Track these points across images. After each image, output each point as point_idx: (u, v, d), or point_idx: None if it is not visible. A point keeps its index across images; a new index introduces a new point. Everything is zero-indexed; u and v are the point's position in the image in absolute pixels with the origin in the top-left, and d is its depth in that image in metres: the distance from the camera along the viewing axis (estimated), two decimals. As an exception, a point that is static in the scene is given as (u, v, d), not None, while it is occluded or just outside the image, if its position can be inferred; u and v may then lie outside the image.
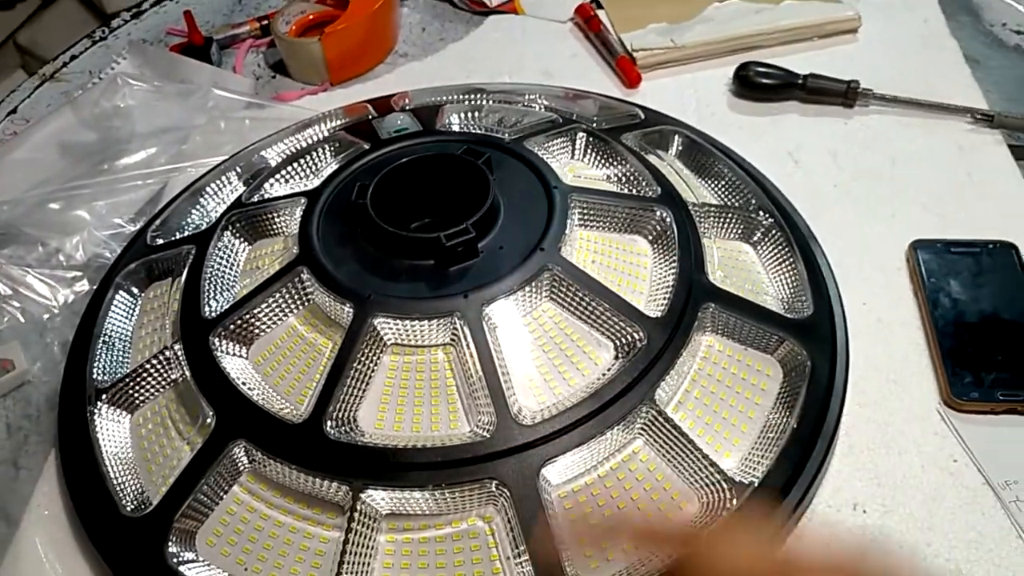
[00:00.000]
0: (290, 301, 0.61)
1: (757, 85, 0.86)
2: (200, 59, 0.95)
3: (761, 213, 0.69)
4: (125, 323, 0.69)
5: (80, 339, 0.69)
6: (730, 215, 0.69)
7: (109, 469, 0.60)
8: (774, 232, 0.69)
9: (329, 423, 0.55)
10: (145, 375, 0.63)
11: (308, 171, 0.72)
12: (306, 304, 0.61)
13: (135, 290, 0.71)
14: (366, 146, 0.70)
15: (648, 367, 0.57)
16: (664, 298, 0.60)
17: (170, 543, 0.55)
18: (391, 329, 0.57)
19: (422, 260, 0.60)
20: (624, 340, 0.58)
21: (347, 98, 0.90)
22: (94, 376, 0.65)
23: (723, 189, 0.74)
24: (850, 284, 0.68)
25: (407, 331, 0.57)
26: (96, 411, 0.63)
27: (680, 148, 0.77)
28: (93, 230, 0.78)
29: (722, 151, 0.76)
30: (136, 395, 0.64)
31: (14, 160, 0.86)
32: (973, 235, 0.71)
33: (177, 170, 0.84)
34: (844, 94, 0.83)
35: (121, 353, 0.67)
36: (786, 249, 0.68)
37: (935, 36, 0.91)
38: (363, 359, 0.57)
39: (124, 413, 0.64)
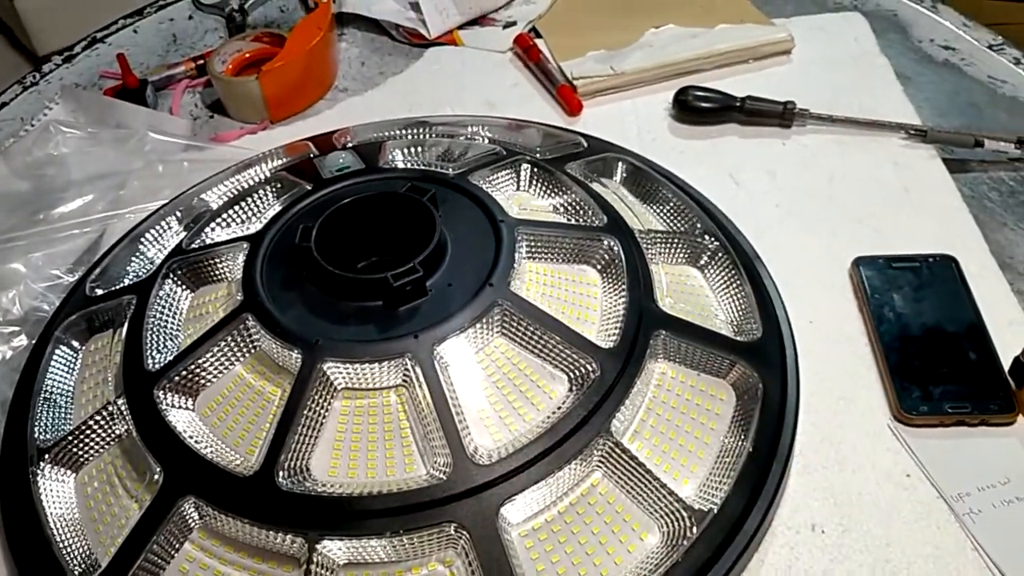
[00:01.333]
0: (236, 349, 0.60)
1: (696, 109, 0.86)
2: (135, 102, 0.93)
3: (706, 237, 0.70)
4: (66, 378, 0.67)
5: (20, 396, 0.67)
6: (676, 240, 0.70)
7: (55, 532, 0.58)
8: (720, 255, 0.69)
9: (281, 474, 0.54)
10: (89, 432, 0.62)
11: (250, 214, 0.71)
12: (252, 352, 0.60)
13: (75, 343, 0.69)
14: (308, 187, 0.69)
15: (603, 399, 0.57)
16: (615, 328, 0.60)
17: (122, 610, 0.53)
18: (341, 373, 0.57)
19: (370, 301, 0.59)
20: (577, 372, 0.58)
21: (288, 136, 0.89)
22: (35, 435, 0.63)
23: (668, 214, 0.74)
24: (796, 303, 0.69)
25: (358, 375, 0.57)
26: (39, 472, 0.61)
27: (624, 175, 0.78)
28: (29, 283, 0.76)
29: (665, 176, 0.77)
30: (80, 453, 0.62)
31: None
32: (913, 249, 0.72)
33: (115, 217, 0.82)
34: (781, 115, 0.85)
35: (63, 410, 0.65)
36: (732, 271, 0.68)
37: (866, 55, 0.93)
38: (314, 406, 0.56)
39: (68, 472, 0.62)
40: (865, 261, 0.71)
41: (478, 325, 0.58)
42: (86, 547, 0.58)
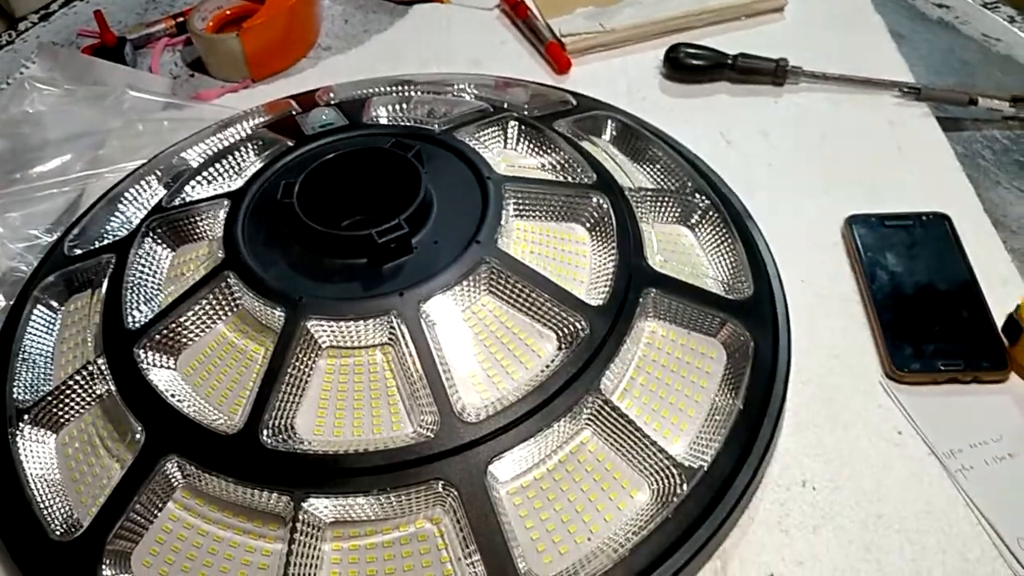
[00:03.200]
0: (218, 307, 0.59)
1: (687, 67, 0.85)
2: (113, 60, 0.91)
3: (697, 195, 0.69)
4: (46, 339, 0.66)
5: (3, 357, 0.65)
6: (667, 199, 0.69)
7: (35, 492, 0.57)
8: (711, 214, 0.68)
9: (265, 432, 0.53)
10: (69, 392, 0.60)
11: (231, 171, 0.69)
12: (235, 310, 0.59)
13: (54, 303, 0.68)
14: (290, 143, 0.68)
15: (592, 357, 0.56)
16: (605, 286, 0.59)
17: (103, 566, 0.52)
18: (325, 332, 0.55)
19: (354, 259, 0.58)
20: (566, 330, 0.57)
21: (269, 95, 0.87)
22: (14, 396, 0.62)
23: (658, 173, 0.73)
24: (788, 262, 0.68)
25: (342, 333, 0.55)
26: (18, 432, 0.60)
27: (614, 133, 0.76)
28: (7, 243, 0.74)
29: (655, 134, 0.75)
30: (60, 413, 0.61)
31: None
32: (906, 207, 0.71)
33: (94, 176, 0.80)
34: (774, 73, 0.83)
35: (43, 370, 0.64)
36: (724, 230, 0.67)
37: (860, 12, 0.92)
38: (298, 364, 0.55)
39: (49, 433, 0.61)
40: (858, 219, 0.71)
41: (465, 283, 0.56)
42: (67, 507, 0.57)
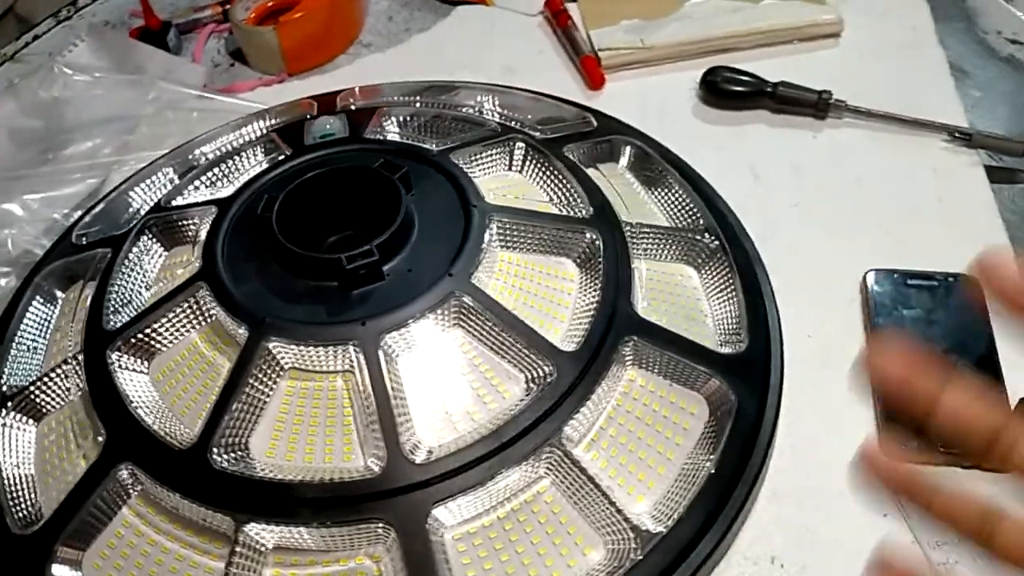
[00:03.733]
0: (192, 317, 0.59)
1: (724, 92, 0.81)
2: (157, 44, 0.92)
3: (706, 235, 0.66)
4: (42, 326, 0.68)
5: (-2, 340, 0.67)
6: (672, 237, 0.66)
7: (5, 482, 0.58)
8: (719, 256, 0.65)
9: (216, 450, 0.53)
10: (50, 384, 0.61)
11: (231, 175, 0.69)
12: (208, 321, 0.58)
13: (56, 291, 0.69)
14: (288, 152, 0.67)
15: (556, 404, 0.54)
16: (582, 330, 0.57)
17: (54, 565, 0.53)
18: (287, 353, 0.55)
19: (326, 281, 0.57)
20: (534, 374, 0.55)
21: (302, 91, 0.87)
22: (4, 380, 0.63)
23: (671, 206, 0.70)
24: (797, 314, 0.64)
25: (304, 357, 0.55)
26: (1, 418, 0.61)
27: (631, 159, 0.73)
28: (25, 224, 0.76)
29: (674, 165, 0.72)
30: (42, 404, 0.62)
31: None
32: (937, 266, 0.66)
33: (120, 163, 0.81)
34: (815, 105, 0.79)
35: (34, 358, 0.65)
36: (728, 275, 0.64)
37: (921, 44, 0.86)
38: (256, 384, 0.54)
39: (30, 422, 0.62)
40: (878, 274, 0.66)
41: (432, 316, 0.55)
42: (35, 500, 0.58)
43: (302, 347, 0.54)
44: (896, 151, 0.76)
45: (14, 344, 0.66)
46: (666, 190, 0.71)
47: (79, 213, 0.77)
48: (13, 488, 0.58)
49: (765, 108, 0.81)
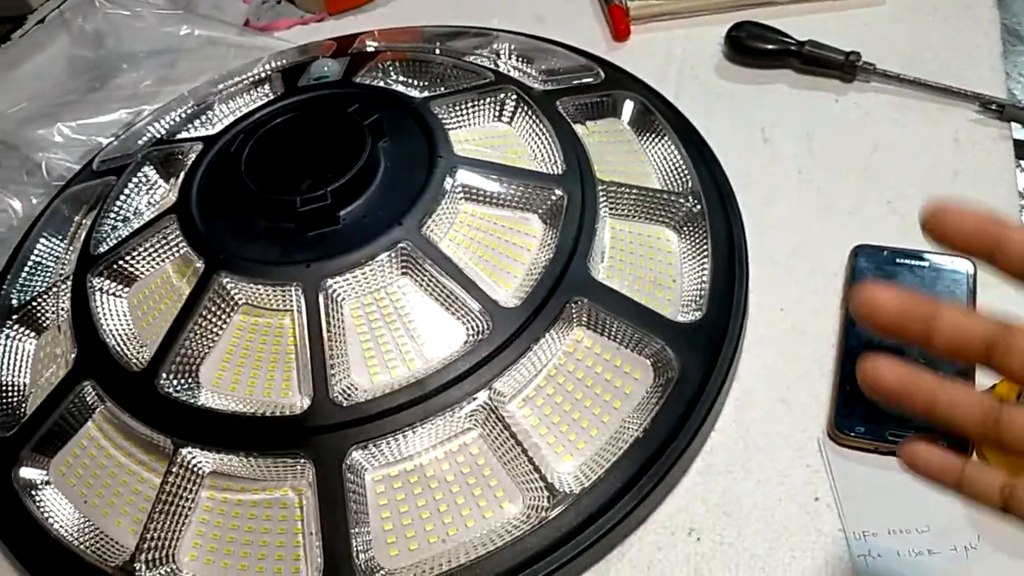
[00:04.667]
0: (163, 248, 0.62)
1: (749, 49, 0.78)
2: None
3: (690, 199, 0.64)
4: (56, 246, 0.72)
5: (12, 256, 0.72)
6: (651, 198, 0.64)
7: (-4, 390, 0.63)
8: (699, 222, 0.63)
9: (165, 375, 0.56)
10: (48, 300, 0.66)
11: (228, 114, 0.72)
12: (178, 253, 0.61)
13: (71, 214, 0.73)
14: (280, 92, 0.69)
15: (488, 358, 0.54)
16: (529, 287, 0.57)
17: (20, 465, 0.58)
18: (239, 289, 0.57)
19: (283, 223, 0.59)
20: (473, 328, 0.56)
21: (334, 31, 0.88)
22: (12, 294, 0.68)
23: (663, 166, 0.68)
24: (772, 287, 0.63)
25: (254, 294, 0.57)
26: (4, 328, 0.66)
27: (632, 116, 0.72)
28: (60, 149, 0.81)
29: (676, 124, 0.70)
30: (41, 318, 0.66)
31: (23, 70, 0.90)
32: (933, 246, 0.62)
33: (158, 94, 0.85)
34: (842, 67, 0.74)
35: (42, 277, 0.70)
36: (704, 242, 0.62)
37: (975, 5, 0.79)
38: (208, 315, 0.57)
39: (32, 334, 0.67)
40: (866, 250, 0.63)
41: (375, 263, 0.56)
42: (24, 405, 0.63)
43: (252, 284, 0.56)
44: (920, 119, 0.72)
45: (28, 262, 0.71)
46: (661, 149, 0.69)
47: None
48: (4, 394, 0.63)
49: (790, 68, 0.77)
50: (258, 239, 0.59)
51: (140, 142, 0.75)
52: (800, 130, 0.73)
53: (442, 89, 0.68)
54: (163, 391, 0.55)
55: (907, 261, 0.62)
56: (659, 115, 0.70)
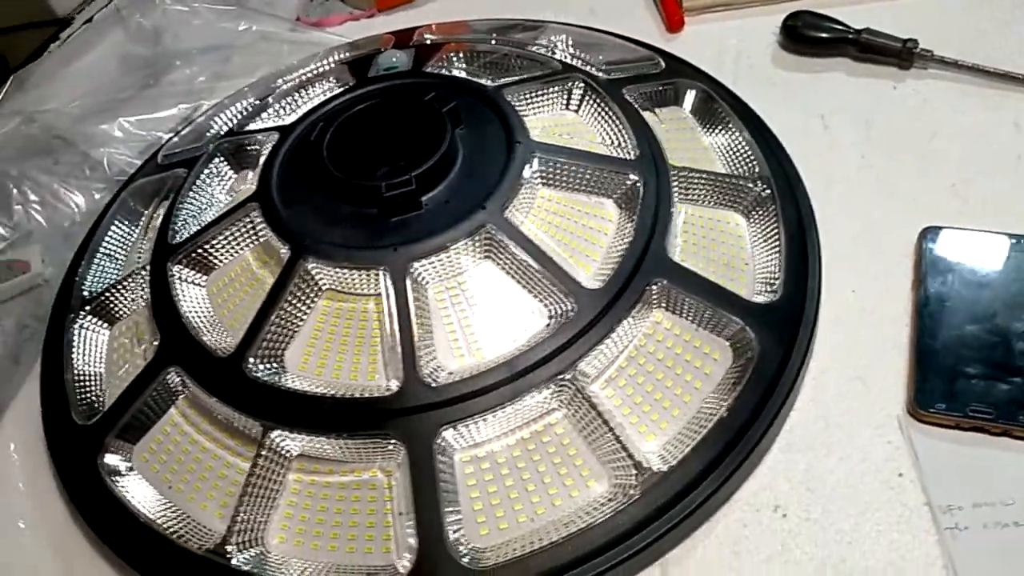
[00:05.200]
0: (244, 235, 0.62)
1: (805, 38, 0.78)
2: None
3: (759, 183, 0.65)
4: (126, 238, 0.73)
5: (82, 248, 0.73)
6: (721, 183, 0.65)
7: (75, 375, 0.64)
8: (769, 206, 0.64)
9: (252, 360, 0.57)
10: (124, 291, 0.67)
11: (299, 104, 0.73)
12: (259, 240, 0.62)
13: (139, 208, 0.74)
14: (351, 83, 0.70)
15: (573, 339, 0.55)
16: (610, 269, 0.58)
17: (106, 453, 0.59)
18: (324, 274, 0.58)
19: (366, 208, 0.59)
20: (556, 309, 0.57)
21: (387, 26, 0.89)
22: (85, 285, 0.69)
23: (729, 152, 0.69)
24: (843, 268, 0.63)
25: (338, 278, 0.58)
26: (79, 319, 0.67)
27: (695, 104, 0.72)
28: (122, 144, 0.82)
29: (739, 111, 0.71)
30: (115, 309, 0.67)
31: (74, 68, 0.91)
32: (1002, 228, 0.63)
33: (213, 90, 0.86)
34: (899, 54, 0.75)
35: (114, 267, 0.71)
36: (775, 225, 0.63)
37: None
38: (294, 300, 0.58)
39: (105, 324, 0.68)
40: (934, 231, 0.64)
41: (460, 247, 0.57)
42: (99, 396, 0.64)
43: (337, 269, 0.57)
44: (979, 105, 0.72)
45: (98, 253, 0.71)
46: (726, 136, 0.70)
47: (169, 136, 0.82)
48: (81, 383, 0.64)
49: (846, 56, 0.78)
50: (341, 225, 0.59)
51: (208, 135, 0.76)
52: (859, 117, 0.74)
53: (510, 78, 0.69)
54: (251, 375, 0.56)
55: (977, 242, 0.63)
56: (722, 103, 0.71)
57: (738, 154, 0.68)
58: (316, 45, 0.87)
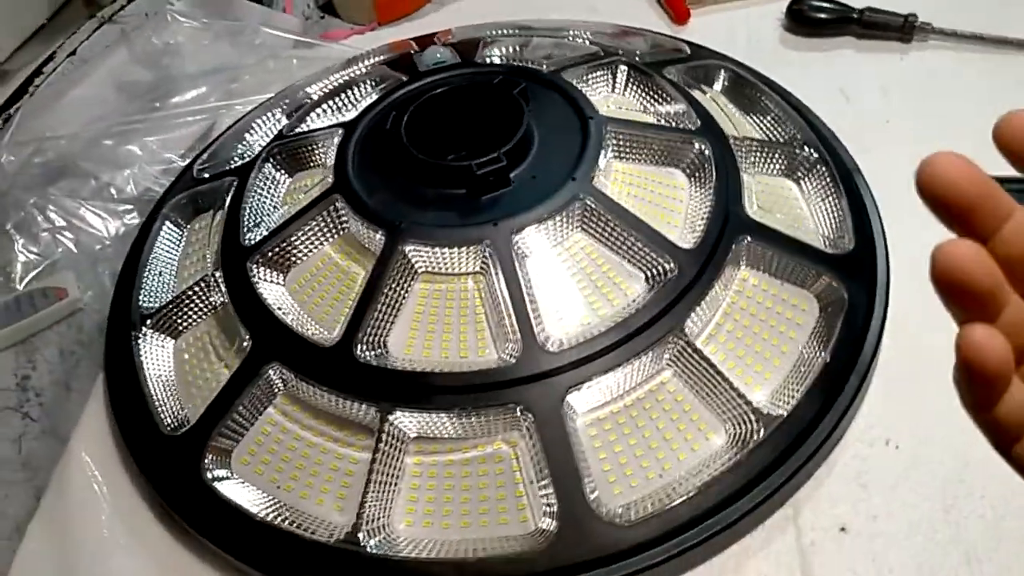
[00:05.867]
0: (325, 229, 0.62)
1: (810, 20, 0.83)
2: (251, -1, 0.96)
3: (806, 148, 0.68)
4: (171, 253, 0.71)
5: (128, 268, 0.71)
6: (773, 150, 0.68)
7: (151, 390, 0.62)
8: (819, 167, 0.67)
9: (359, 347, 0.56)
10: (187, 301, 0.65)
11: (348, 104, 0.73)
12: (341, 232, 0.62)
13: (181, 222, 0.73)
14: (404, 78, 0.70)
15: (678, 298, 0.56)
16: (698, 230, 0.60)
17: (206, 460, 0.57)
18: (422, 257, 0.58)
19: (454, 189, 0.60)
20: (655, 271, 0.58)
21: (393, 37, 0.90)
22: (140, 302, 0.67)
23: (768, 124, 0.72)
24: (897, 219, 0.66)
25: (437, 259, 0.58)
26: (141, 335, 0.65)
27: (726, 84, 0.76)
28: (144, 165, 0.80)
29: (768, 86, 0.74)
30: (179, 321, 0.66)
31: (72, 97, 0.89)
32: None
33: (226, 107, 0.85)
34: (901, 28, 0.80)
35: (166, 282, 0.69)
36: (830, 184, 0.66)
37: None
38: (394, 285, 0.58)
39: (167, 338, 0.66)
40: (976, 180, 0.68)
41: (558, 218, 0.58)
42: (179, 406, 0.62)
43: (437, 249, 0.57)
44: (984, 69, 0.78)
45: (147, 270, 0.69)
46: (762, 110, 0.73)
47: (195, 153, 0.80)
48: (159, 395, 0.62)
49: (850, 34, 0.83)
50: (431, 208, 0.60)
51: (243, 145, 0.75)
52: (874, 86, 0.78)
53: (559, 64, 0.71)
54: (363, 360, 0.55)
55: (1015, 186, 0.67)
56: (754, 79, 0.74)
57: (776, 125, 0.72)
58: (326, 59, 0.87)
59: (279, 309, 0.59)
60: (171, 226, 0.72)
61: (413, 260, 0.58)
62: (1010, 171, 0.68)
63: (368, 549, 0.52)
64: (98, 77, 0.89)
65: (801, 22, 0.83)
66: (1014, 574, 0.50)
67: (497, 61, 0.75)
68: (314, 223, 0.62)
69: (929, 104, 0.76)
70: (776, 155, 0.68)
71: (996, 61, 0.78)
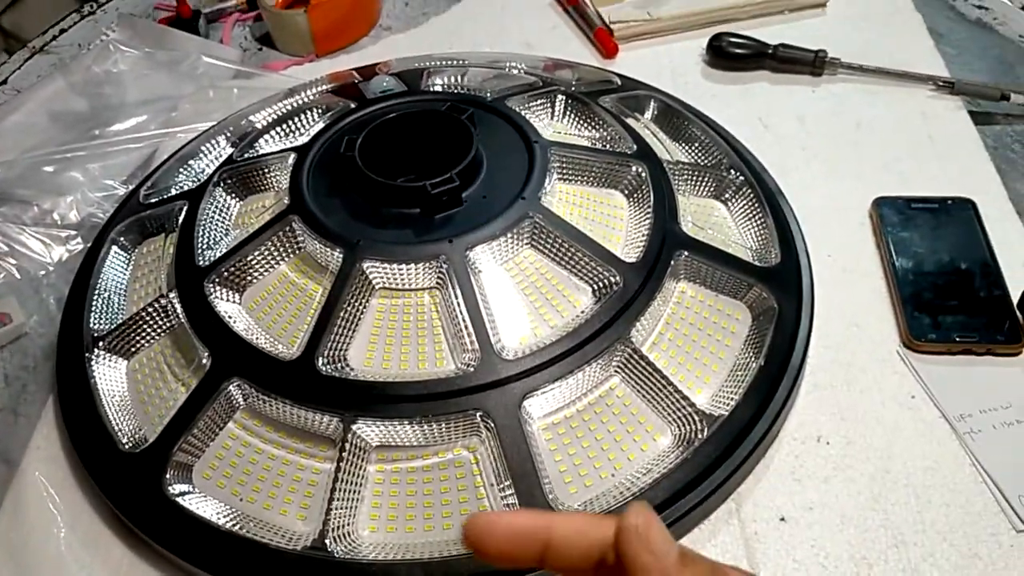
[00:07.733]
0: (282, 249, 0.64)
1: (730, 55, 0.89)
2: (188, 31, 0.97)
3: (732, 172, 0.73)
4: (120, 276, 0.72)
5: (76, 292, 0.71)
6: (702, 173, 0.72)
7: (107, 409, 0.62)
8: (745, 189, 0.72)
9: (321, 360, 0.58)
10: (140, 323, 0.66)
11: (296, 130, 0.75)
12: (297, 252, 0.64)
13: (128, 245, 0.73)
14: (352, 105, 0.73)
15: (623, 309, 0.60)
16: (639, 245, 0.63)
17: (167, 475, 0.57)
18: (379, 273, 0.60)
19: (408, 208, 0.63)
20: (601, 283, 0.61)
21: (332, 68, 0.93)
22: (91, 325, 0.67)
23: (696, 150, 0.77)
24: (816, 238, 0.72)
25: (394, 275, 0.60)
26: (94, 357, 0.65)
27: (655, 112, 0.80)
28: (86, 191, 0.80)
29: (695, 115, 0.79)
30: (132, 342, 0.66)
31: (6, 126, 0.88)
32: (934, 192, 0.74)
33: (167, 135, 0.86)
34: (812, 63, 0.87)
35: (116, 304, 0.70)
36: (755, 204, 0.71)
37: (900, 11, 0.95)
38: (353, 300, 0.60)
39: (120, 359, 0.66)
40: (885, 201, 0.74)
41: (509, 234, 0.61)
42: (136, 424, 0.62)
43: (394, 265, 0.60)
44: (888, 100, 0.85)
45: (96, 293, 0.70)
46: (689, 137, 0.78)
47: (136, 180, 0.81)
48: (115, 415, 0.62)
49: (767, 68, 0.89)
50: (386, 226, 0.62)
51: (190, 171, 0.76)
52: (791, 117, 0.84)
53: (502, 92, 0.74)
54: (325, 373, 0.57)
55: (921, 205, 0.73)
56: (681, 109, 0.79)
57: (704, 150, 0.77)
58: (267, 89, 0.89)
59: (239, 326, 0.61)
60: (118, 250, 0.72)
61: (371, 276, 0.60)
62: (927, 191, 0.75)
63: (336, 555, 0.53)
64: (34, 105, 0.89)
65: (721, 57, 0.89)
66: (938, 556, 0.55)
67: (440, 89, 0.78)
68: (270, 243, 0.63)
69: (840, 131, 0.82)
70: (706, 178, 0.72)
71: (898, 93, 0.85)
